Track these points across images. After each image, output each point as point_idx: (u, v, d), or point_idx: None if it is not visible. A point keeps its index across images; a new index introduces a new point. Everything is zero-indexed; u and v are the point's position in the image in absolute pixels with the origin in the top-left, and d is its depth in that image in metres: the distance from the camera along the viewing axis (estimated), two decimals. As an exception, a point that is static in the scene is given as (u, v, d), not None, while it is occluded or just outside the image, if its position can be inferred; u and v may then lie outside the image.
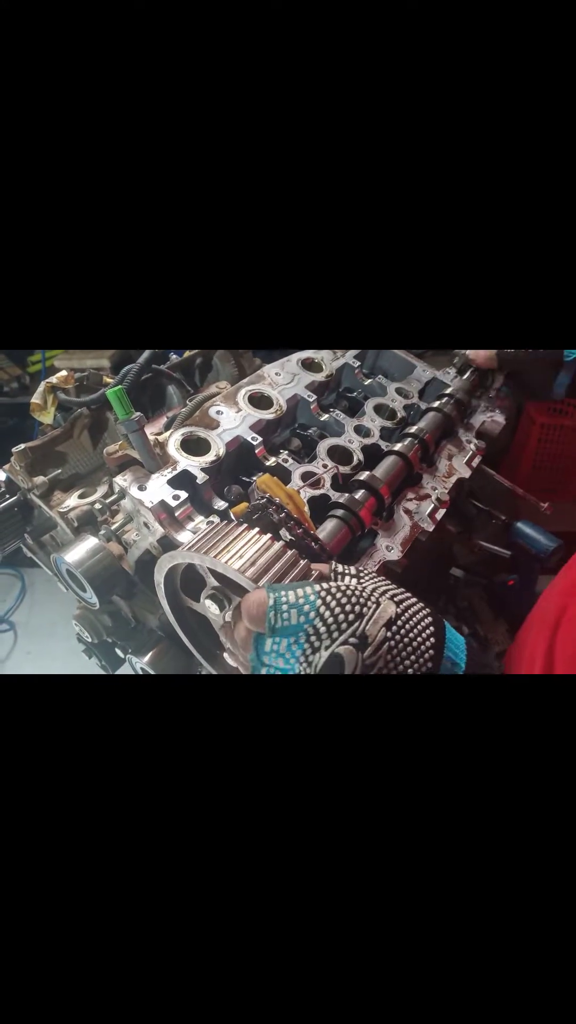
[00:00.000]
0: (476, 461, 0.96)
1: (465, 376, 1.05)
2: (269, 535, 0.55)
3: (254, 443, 0.84)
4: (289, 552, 0.54)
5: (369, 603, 0.45)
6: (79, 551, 0.78)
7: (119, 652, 0.96)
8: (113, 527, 0.75)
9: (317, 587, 0.46)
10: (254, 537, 0.55)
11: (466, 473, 0.93)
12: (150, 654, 0.88)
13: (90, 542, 0.80)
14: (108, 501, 0.74)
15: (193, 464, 0.77)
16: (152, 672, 0.85)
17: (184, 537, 0.71)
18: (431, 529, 0.81)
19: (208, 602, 0.61)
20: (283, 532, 0.68)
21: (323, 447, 0.87)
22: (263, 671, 0.49)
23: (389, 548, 0.77)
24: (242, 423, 0.85)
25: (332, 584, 0.47)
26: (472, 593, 1.30)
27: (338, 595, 0.45)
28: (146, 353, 0.96)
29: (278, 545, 0.54)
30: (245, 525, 0.57)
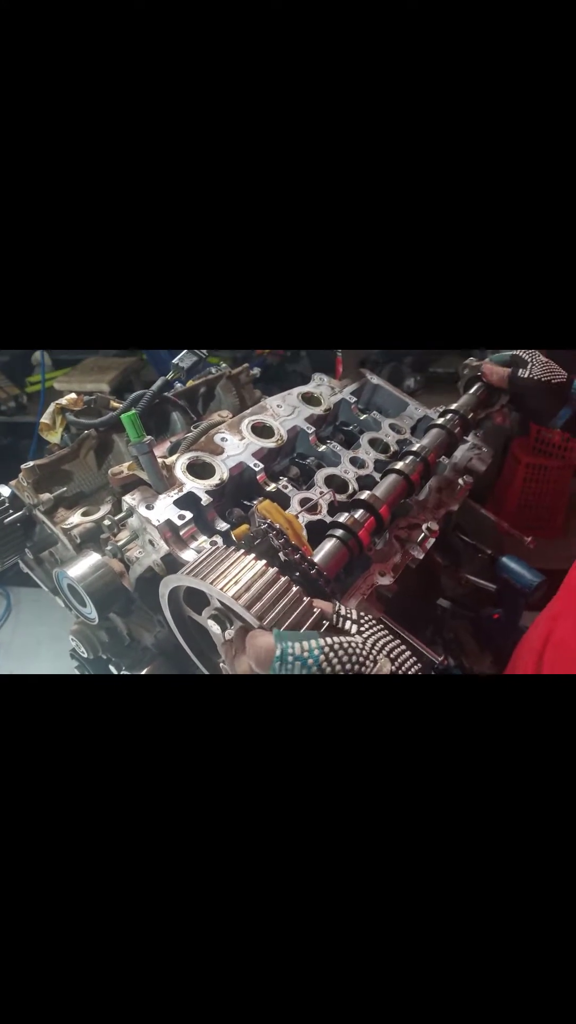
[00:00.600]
0: (464, 495, 1.02)
1: (472, 391, 1.07)
2: (264, 562, 0.58)
3: (256, 469, 0.88)
4: (282, 579, 0.57)
5: (368, 662, 0.50)
6: (82, 566, 0.81)
7: (112, 668, 0.97)
8: (119, 543, 0.78)
9: (323, 642, 0.50)
10: (250, 563, 0.58)
11: (454, 506, 0.98)
12: (144, 671, 0.90)
13: (93, 558, 0.82)
14: (117, 518, 0.77)
15: (198, 487, 0.81)
16: (146, 689, 0.87)
17: (188, 555, 0.74)
18: (421, 557, 0.85)
19: (210, 621, 0.63)
20: (280, 555, 0.72)
21: (320, 476, 0.91)
22: None
23: (382, 573, 0.80)
24: (245, 450, 0.89)
25: (336, 640, 0.51)
26: (458, 625, 1.34)
27: (340, 652, 0.50)
28: (159, 381, 1.01)
29: (272, 572, 0.57)
30: (243, 551, 0.60)
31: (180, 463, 0.83)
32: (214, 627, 0.62)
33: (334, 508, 0.86)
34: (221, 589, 0.56)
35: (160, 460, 0.81)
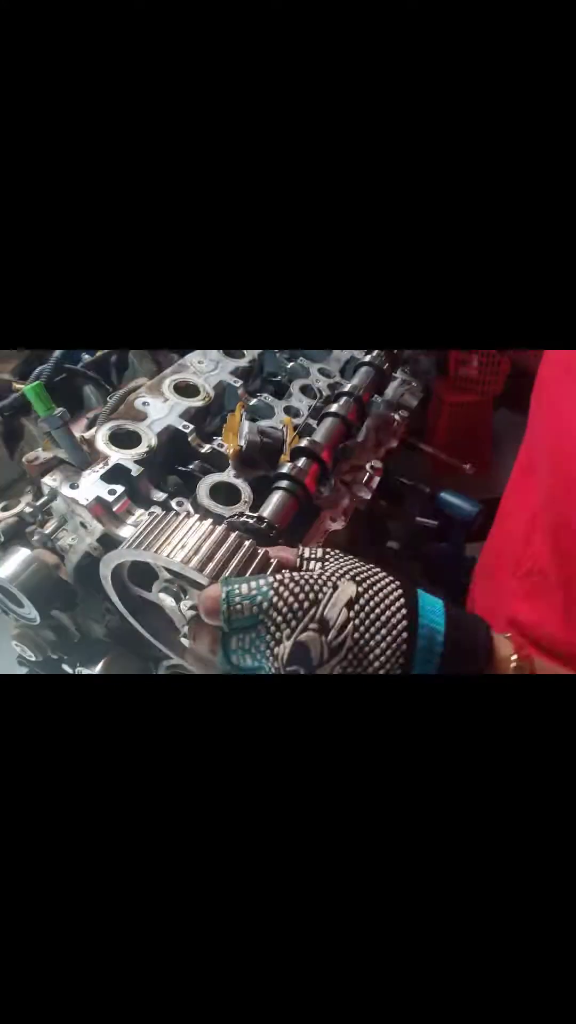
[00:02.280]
0: (403, 432, 1.01)
1: None
2: (210, 521, 0.54)
3: (186, 431, 0.82)
4: (232, 536, 0.53)
5: (325, 588, 0.44)
6: (11, 564, 0.73)
7: (67, 668, 0.91)
8: (47, 531, 0.71)
9: (270, 578, 0.46)
10: (194, 525, 0.54)
11: (394, 443, 0.96)
12: (100, 664, 0.84)
13: (22, 553, 0.75)
14: (39, 504, 0.70)
15: (126, 457, 0.74)
16: (106, 681, 0.81)
17: (125, 532, 0.69)
18: (368, 497, 0.84)
19: (162, 595, 0.59)
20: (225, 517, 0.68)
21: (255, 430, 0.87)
22: (234, 672, 0.48)
23: (333, 519, 0.78)
24: (171, 412, 0.83)
25: (286, 573, 0.46)
26: (409, 565, 1.36)
27: (290, 584, 0.45)
28: (56, 352, 0.91)
29: (220, 529, 0.53)
30: (185, 514, 0.56)
31: (101, 435, 0.76)
32: (167, 600, 0.57)
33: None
34: (168, 556, 0.51)
35: (79, 437, 0.74)
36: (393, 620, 0.43)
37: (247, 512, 0.68)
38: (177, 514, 0.57)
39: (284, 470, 0.75)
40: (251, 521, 0.66)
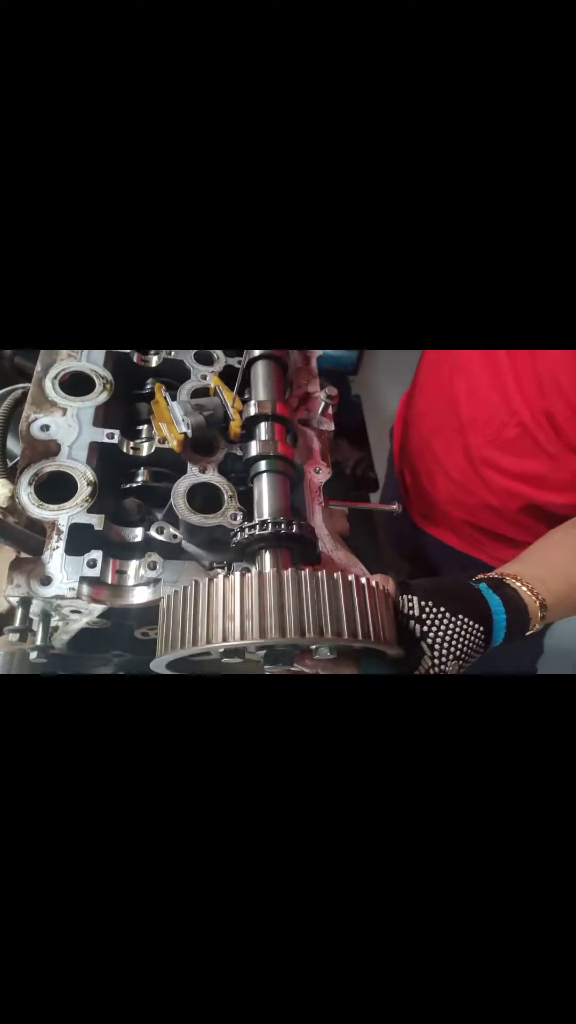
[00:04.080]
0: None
1: None
2: (239, 572, 0.48)
3: (113, 440, 0.66)
4: (287, 574, 0.47)
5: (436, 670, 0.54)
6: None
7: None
8: (41, 644, 0.57)
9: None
10: (228, 584, 0.48)
11: (319, 352, 0.87)
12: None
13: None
14: (18, 624, 0.55)
15: (75, 511, 0.59)
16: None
17: (138, 594, 0.58)
18: (332, 428, 0.77)
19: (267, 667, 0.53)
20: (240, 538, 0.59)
21: (184, 391, 0.72)
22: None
23: (317, 470, 0.72)
24: (80, 425, 0.65)
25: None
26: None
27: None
28: None
29: (253, 574, 0.47)
30: (208, 578, 0.49)
31: (26, 499, 0.58)
32: (273, 670, 0.52)
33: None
34: (223, 640, 0.46)
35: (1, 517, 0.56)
36: (472, 648, 0.57)
37: (257, 522, 0.60)
38: (201, 583, 0.49)
39: (254, 451, 0.65)
40: (282, 530, 0.59)
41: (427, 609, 0.55)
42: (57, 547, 0.57)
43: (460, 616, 0.55)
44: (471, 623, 0.56)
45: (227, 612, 0.47)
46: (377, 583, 0.52)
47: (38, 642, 0.57)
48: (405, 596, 0.56)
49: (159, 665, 0.52)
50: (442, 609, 0.55)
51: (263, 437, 0.68)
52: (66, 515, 0.58)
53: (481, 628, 0.57)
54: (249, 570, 0.61)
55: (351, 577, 0.50)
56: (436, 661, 0.54)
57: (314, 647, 0.50)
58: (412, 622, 0.55)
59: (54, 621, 0.60)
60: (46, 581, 0.55)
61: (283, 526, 0.58)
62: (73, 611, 0.58)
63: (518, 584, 0.61)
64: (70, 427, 0.65)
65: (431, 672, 0.54)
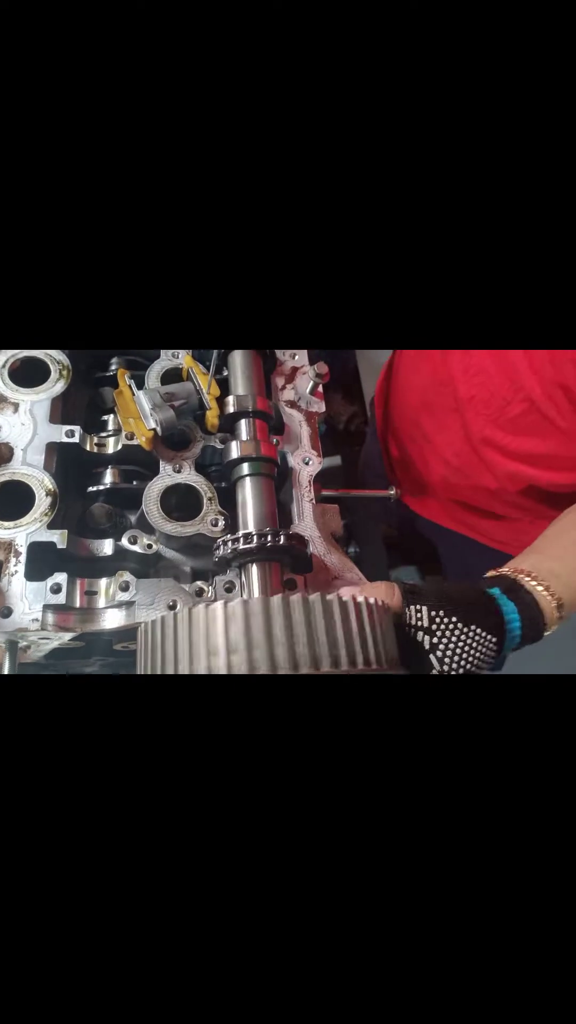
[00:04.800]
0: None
1: None
2: (222, 603, 0.43)
3: (73, 437, 0.58)
4: (275, 601, 0.42)
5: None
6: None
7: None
8: (7, 671, 0.52)
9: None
10: (209, 615, 0.43)
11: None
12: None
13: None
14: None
15: (33, 528, 0.52)
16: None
17: (110, 618, 0.53)
18: (323, 410, 0.69)
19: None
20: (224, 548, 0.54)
21: (153, 374, 0.64)
22: None
23: (306, 461, 0.65)
24: (35, 422, 0.57)
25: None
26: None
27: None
28: None
29: (237, 603, 0.42)
30: (187, 608, 0.43)
31: (-23, 515, 0.52)
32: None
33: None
34: (221, 665, 0.41)
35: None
36: (485, 653, 0.53)
37: (241, 535, 0.53)
38: (176, 616, 0.43)
39: (235, 454, 0.58)
40: (268, 543, 0.52)
41: (437, 619, 0.51)
42: (15, 572, 0.50)
43: (472, 627, 0.52)
44: (483, 634, 0.52)
45: (211, 647, 0.42)
46: (376, 601, 0.47)
47: (5, 671, 0.52)
48: (413, 607, 0.52)
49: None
50: (454, 620, 0.51)
51: (244, 437, 0.60)
52: (24, 533, 0.52)
53: (494, 639, 0.53)
54: (233, 586, 0.56)
55: (347, 599, 0.45)
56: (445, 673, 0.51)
57: None
58: (421, 634, 0.51)
59: (23, 643, 0.55)
60: (6, 612, 0.49)
61: (269, 538, 0.52)
62: (42, 638, 0.53)
63: (534, 584, 0.57)
64: (24, 426, 0.57)
65: None
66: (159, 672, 0.44)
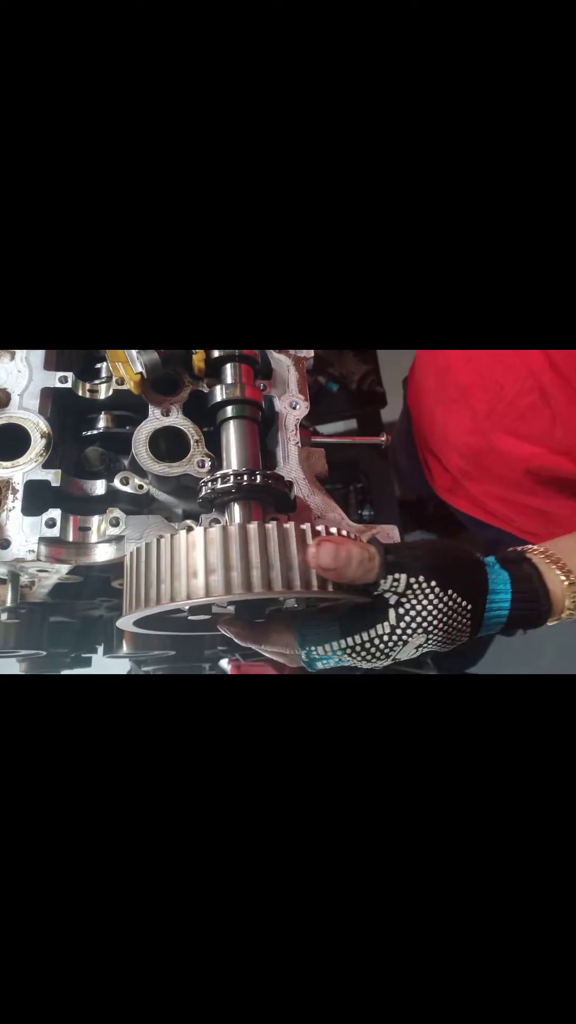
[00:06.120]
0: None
1: None
2: (202, 528, 0.46)
3: (66, 384, 0.61)
4: (252, 528, 0.44)
5: (396, 647, 0.47)
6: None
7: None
8: (9, 603, 0.57)
9: (343, 643, 0.48)
10: (190, 539, 0.45)
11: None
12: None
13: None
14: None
15: (29, 467, 0.56)
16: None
17: (101, 551, 0.56)
18: (311, 356, 0.70)
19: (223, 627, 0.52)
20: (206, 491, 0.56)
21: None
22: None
23: (294, 405, 0.66)
24: (31, 369, 0.60)
25: (356, 640, 0.48)
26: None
27: (364, 652, 0.48)
28: None
29: (216, 529, 0.44)
30: (168, 534, 0.46)
31: (-23, 455, 0.55)
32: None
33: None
34: (187, 597, 0.44)
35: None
36: (462, 630, 0.48)
37: (220, 475, 0.56)
38: (160, 540, 0.46)
39: (219, 397, 0.60)
40: (245, 482, 0.54)
41: (414, 584, 0.46)
42: (13, 508, 0.54)
43: (450, 592, 0.46)
44: (457, 599, 0.46)
45: (191, 568, 0.45)
46: (349, 532, 0.48)
47: (8, 603, 0.56)
48: (391, 576, 0.46)
49: (126, 623, 0.52)
50: (432, 584, 0.46)
51: (228, 380, 0.62)
52: (20, 472, 0.56)
53: (468, 607, 0.46)
54: (217, 523, 0.59)
55: (320, 527, 0.47)
56: (399, 631, 0.46)
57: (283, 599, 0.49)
58: (389, 593, 0.46)
59: (25, 579, 0.59)
60: (4, 544, 0.53)
61: (246, 478, 0.54)
62: (40, 570, 0.57)
63: (541, 557, 0.49)
64: (20, 372, 0.60)
65: (389, 640, 0.47)
66: (143, 596, 0.47)
